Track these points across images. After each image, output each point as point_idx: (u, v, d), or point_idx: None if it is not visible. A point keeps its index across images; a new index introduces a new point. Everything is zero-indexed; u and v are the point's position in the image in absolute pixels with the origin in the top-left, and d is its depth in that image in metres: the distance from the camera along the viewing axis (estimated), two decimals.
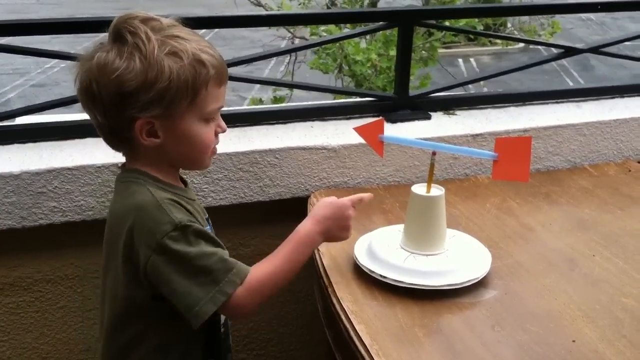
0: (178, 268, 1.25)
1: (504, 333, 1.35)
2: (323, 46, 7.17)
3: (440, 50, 7.74)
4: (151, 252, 1.24)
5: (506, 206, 1.87)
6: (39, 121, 1.94)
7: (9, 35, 1.85)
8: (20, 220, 1.73)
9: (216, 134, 1.37)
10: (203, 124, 1.32)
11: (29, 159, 1.75)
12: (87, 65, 1.27)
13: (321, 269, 1.58)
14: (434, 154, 1.50)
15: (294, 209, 1.91)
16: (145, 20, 1.27)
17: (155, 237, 1.24)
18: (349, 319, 1.39)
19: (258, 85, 9.74)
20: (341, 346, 1.42)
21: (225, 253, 1.31)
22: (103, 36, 1.31)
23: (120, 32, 1.26)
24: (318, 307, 1.69)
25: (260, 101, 7.24)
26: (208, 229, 1.42)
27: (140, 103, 1.24)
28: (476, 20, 6.22)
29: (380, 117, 1.53)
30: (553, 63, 11.55)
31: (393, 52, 6.54)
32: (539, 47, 10.31)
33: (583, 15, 14.78)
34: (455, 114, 2.14)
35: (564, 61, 11.56)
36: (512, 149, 1.42)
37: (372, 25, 2.26)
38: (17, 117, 1.90)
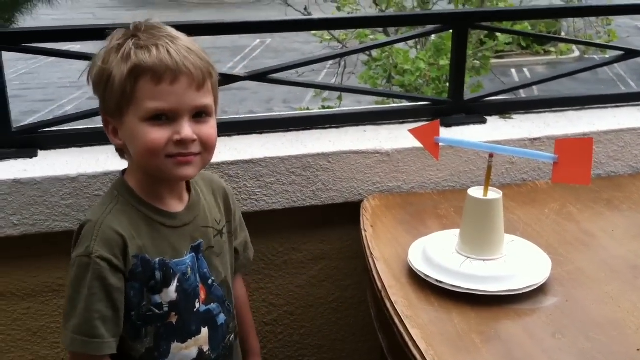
0: (69, 286, 1.29)
1: (566, 341, 1.30)
2: (373, 57, 7.17)
3: (492, 61, 7.65)
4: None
5: (566, 212, 1.81)
6: (96, 126, 1.96)
7: (42, 42, 1.87)
8: (77, 222, 1.74)
9: (175, 142, 1.27)
10: (146, 125, 1.25)
11: (86, 162, 1.77)
12: None
13: (375, 273, 1.55)
14: (491, 156, 1.46)
15: (346, 213, 1.90)
16: (136, 27, 1.30)
17: (74, 251, 1.30)
18: (404, 323, 1.36)
19: (308, 97, 9.80)
20: (395, 352, 1.40)
21: (100, 316, 1.27)
22: None
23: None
24: (371, 313, 1.67)
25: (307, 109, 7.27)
26: (188, 257, 1.36)
27: (100, 102, 1.31)
28: (529, 28, 6.11)
29: (436, 120, 1.50)
30: (609, 72, 11.34)
31: (443, 62, 6.49)
32: (594, 56, 10.13)
33: (639, 24, 14.47)
34: (512, 118, 2.09)
35: (620, 70, 11.34)
36: (573, 151, 1.38)
37: (426, 28, 2.24)
38: (74, 121, 1.92)
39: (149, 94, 1.25)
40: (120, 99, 1.26)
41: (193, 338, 1.38)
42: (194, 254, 1.38)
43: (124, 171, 1.39)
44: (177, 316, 1.35)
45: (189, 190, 1.41)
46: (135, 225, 1.31)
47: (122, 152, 1.37)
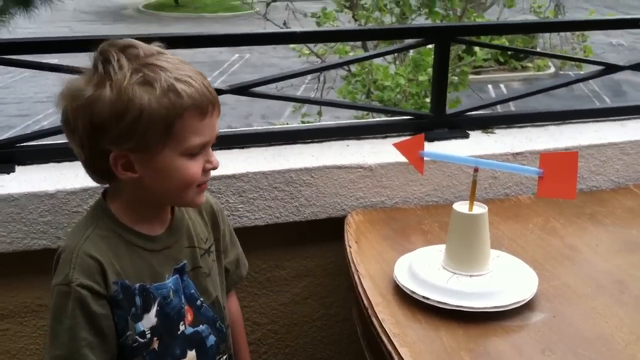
0: (50, 316, 1.24)
1: (555, 358, 1.30)
2: (352, 72, 7.19)
3: (470, 77, 7.71)
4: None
5: (550, 227, 1.81)
6: None
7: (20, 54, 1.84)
8: (56, 240, 1.71)
9: (206, 170, 1.27)
10: (185, 159, 1.22)
11: (64, 178, 1.74)
12: (63, 95, 1.22)
13: (360, 290, 1.53)
14: (476, 170, 1.46)
15: (330, 229, 1.88)
16: (124, 48, 1.20)
17: (53, 280, 1.25)
18: (392, 341, 1.34)
19: (287, 113, 9.79)
20: None
21: (87, 344, 1.22)
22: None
23: (96, 60, 1.20)
24: (356, 330, 1.64)
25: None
26: (171, 280, 1.32)
27: (112, 135, 1.18)
28: (507, 43, 6.17)
29: (421, 134, 1.49)
30: (584, 88, 11.47)
31: (422, 77, 6.53)
32: (569, 72, 10.25)
33: (613, 40, 14.70)
34: (494, 133, 2.09)
35: (595, 86, 11.48)
36: (558, 165, 1.37)
37: (405, 42, 2.23)
38: (52, 135, 1.89)
39: (194, 130, 1.21)
40: (157, 134, 1.18)
41: None
42: (177, 276, 1.34)
43: (104, 194, 1.33)
44: (159, 341, 1.31)
45: (172, 211, 1.37)
46: (114, 250, 1.26)
47: (105, 177, 1.28)
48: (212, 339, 1.40)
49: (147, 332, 1.29)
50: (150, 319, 1.29)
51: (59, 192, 1.69)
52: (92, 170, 1.28)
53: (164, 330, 1.31)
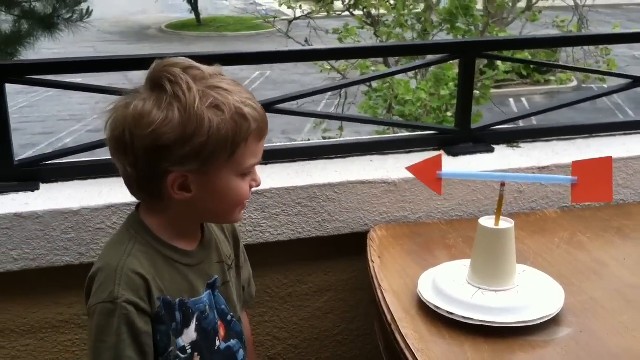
0: (91, 337, 1.21)
1: None
2: (373, 87, 7.20)
3: (491, 90, 7.69)
4: (87, 311, 1.22)
5: (576, 241, 1.78)
6: (98, 158, 1.94)
7: (45, 74, 1.86)
8: (79, 256, 1.72)
9: (250, 188, 1.29)
10: (239, 179, 1.25)
11: (88, 195, 1.75)
12: (121, 113, 1.20)
13: (384, 305, 1.52)
14: (503, 185, 1.44)
15: (352, 244, 1.87)
16: (187, 69, 1.19)
17: (92, 299, 1.22)
18: (415, 357, 1.33)
19: (307, 128, 9.81)
20: None
21: None
22: (137, 83, 1.25)
23: (159, 80, 1.19)
24: (378, 346, 1.63)
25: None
26: (205, 295, 1.32)
27: (176, 157, 1.18)
28: (529, 57, 6.14)
29: (438, 153, 1.46)
30: (607, 102, 11.38)
31: (444, 92, 6.52)
32: (592, 86, 10.18)
33: (637, 53, 14.58)
34: (520, 147, 2.07)
35: (618, 99, 11.38)
36: (591, 171, 1.38)
37: (427, 59, 2.23)
38: (76, 154, 1.90)
39: (253, 152, 1.24)
40: (222, 157, 1.19)
41: None
42: (210, 291, 1.33)
43: (137, 207, 1.33)
44: (200, 356, 1.31)
45: (202, 227, 1.37)
46: (155, 266, 1.25)
47: (153, 196, 1.25)
48: (242, 354, 1.40)
49: (187, 348, 1.28)
50: (190, 335, 1.29)
51: (83, 209, 1.70)
52: (142, 188, 1.26)
53: (204, 345, 1.31)
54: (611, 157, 1.37)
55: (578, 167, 1.38)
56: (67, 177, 1.84)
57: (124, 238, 1.28)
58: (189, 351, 1.28)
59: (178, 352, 1.27)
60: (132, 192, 1.28)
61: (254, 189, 1.75)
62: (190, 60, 1.23)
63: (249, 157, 1.23)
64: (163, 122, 1.16)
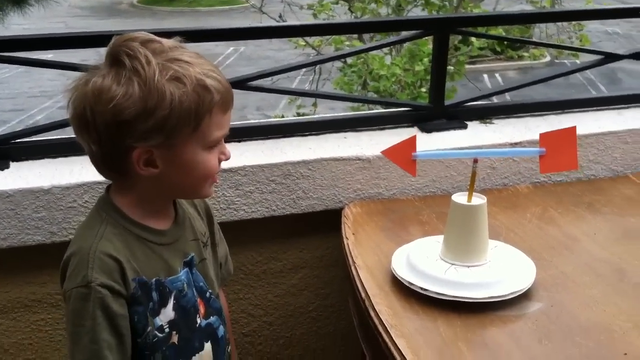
0: (68, 321, 1.21)
1: (552, 347, 1.29)
2: (348, 63, 7.17)
3: (465, 66, 7.70)
4: (63, 296, 1.22)
5: (548, 216, 1.80)
6: (69, 136, 1.92)
7: (15, 51, 1.82)
8: (50, 235, 1.71)
9: (219, 162, 1.29)
10: (206, 152, 1.24)
11: (59, 174, 1.73)
12: (81, 91, 1.18)
13: (358, 282, 1.53)
14: (475, 161, 1.45)
15: (326, 221, 1.87)
16: (145, 42, 1.18)
17: (66, 284, 1.21)
18: (389, 333, 1.33)
19: (282, 104, 9.78)
20: None
21: (108, 345, 1.19)
22: (99, 58, 1.22)
23: (118, 55, 1.17)
24: (352, 322, 1.64)
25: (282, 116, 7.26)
26: (183, 273, 1.31)
27: (139, 132, 1.16)
28: (503, 33, 6.15)
29: (413, 135, 1.46)
30: (580, 77, 11.47)
31: (418, 67, 6.52)
32: (565, 61, 10.25)
33: (609, 29, 14.69)
34: (493, 123, 2.08)
35: (591, 75, 11.48)
36: (557, 141, 1.42)
37: (401, 35, 2.22)
38: (47, 131, 1.88)
39: (218, 124, 1.22)
40: (186, 130, 1.18)
41: (197, 354, 1.34)
42: (187, 269, 1.33)
43: (108, 189, 1.31)
44: (178, 335, 1.30)
45: (174, 205, 1.36)
46: (129, 247, 1.24)
47: (119, 177, 1.26)
48: (222, 330, 1.40)
49: (165, 327, 1.28)
50: (167, 314, 1.28)
51: (54, 188, 1.68)
52: (107, 166, 1.24)
53: (183, 323, 1.31)
54: (575, 126, 1.42)
55: (545, 138, 1.42)
56: (38, 155, 1.82)
57: (95, 221, 1.26)
58: (167, 330, 1.28)
59: (156, 332, 1.26)
60: (99, 170, 1.27)
61: (228, 167, 1.78)
62: (150, 34, 1.21)
63: (214, 129, 1.22)
64: (123, 97, 1.14)
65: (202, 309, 1.35)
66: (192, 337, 1.33)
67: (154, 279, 1.26)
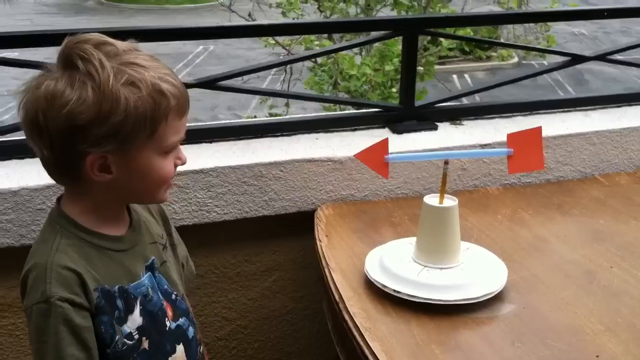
0: (32, 338, 1.18)
1: (525, 349, 1.30)
2: (319, 63, 7.17)
3: (435, 67, 7.74)
4: (25, 313, 1.19)
5: (518, 217, 1.82)
6: None
7: None
8: (19, 238, 1.68)
9: (175, 167, 1.26)
10: (161, 158, 1.21)
11: (27, 175, 1.70)
12: (33, 94, 1.14)
13: (331, 285, 1.53)
14: (446, 163, 1.46)
15: (300, 223, 1.87)
16: (99, 45, 1.14)
17: (26, 300, 1.18)
18: (363, 335, 1.34)
19: (253, 104, 9.74)
20: None
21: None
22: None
23: (71, 57, 1.13)
24: (327, 324, 1.64)
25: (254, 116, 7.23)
26: (146, 278, 1.29)
27: (93, 138, 1.13)
28: (471, 34, 6.20)
29: (385, 138, 1.47)
30: (548, 78, 11.60)
31: (388, 67, 6.53)
32: (533, 62, 10.37)
33: (575, 30, 14.88)
34: (462, 124, 2.10)
35: (558, 76, 11.62)
36: (524, 142, 1.45)
37: (371, 35, 2.23)
38: (14, 132, 1.84)
39: (174, 129, 1.20)
40: (141, 135, 1.15)
41: (170, 357, 1.32)
42: (149, 273, 1.31)
43: (58, 200, 1.28)
44: (148, 340, 1.28)
45: (128, 210, 1.34)
46: (86, 257, 1.22)
47: (72, 183, 1.23)
48: (192, 331, 1.39)
49: (134, 334, 1.25)
50: (135, 320, 1.26)
51: (23, 190, 1.65)
52: (60, 171, 1.22)
53: (153, 328, 1.29)
54: (540, 127, 1.44)
55: (512, 138, 1.44)
56: (5, 156, 1.78)
57: (49, 234, 1.23)
58: (136, 337, 1.26)
59: (125, 340, 1.24)
60: (52, 176, 1.24)
61: (199, 168, 1.76)
62: (103, 36, 1.18)
63: (170, 135, 1.20)
64: (77, 102, 1.11)
65: (169, 312, 1.34)
66: (163, 341, 1.31)
67: (116, 287, 1.23)
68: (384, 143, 1.47)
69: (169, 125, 1.18)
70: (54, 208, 1.27)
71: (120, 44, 1.17)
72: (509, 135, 1.45)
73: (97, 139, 1.14)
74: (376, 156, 1.47)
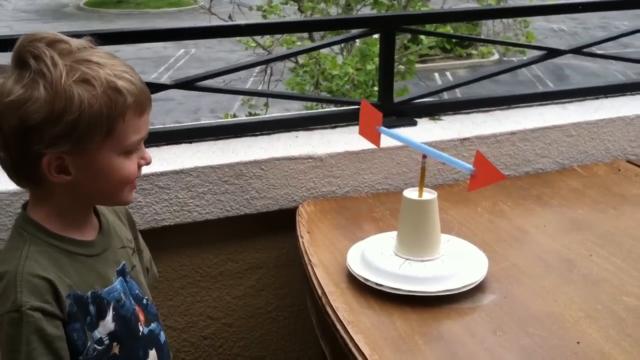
0: (3, 348, 1.14)
1: (507, 337, 1.31)
2: (300, 63, 7.18)
3: (417, 65, 7.78)
4: None
5: (498, 209, 1.84)
6: None
7: None
8: None
9: (139, 167, 1.23)
10: (123, 158, 1.18)
11: (5, 179, 1.67)
12: None
13: (314, 280, 1.53)
14: (424, 157, 1.47)
15: (282, 220, 1.87)
16: (52, 43, 1.12)
17: None
18: (346, 329, 1.34)
19: (236, 106, 9.72)
20: (339, 358, 1.38)
21: None
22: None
23: (23, 56, 1.11)
24: (312, 320, 1.65)
25: (235, 117, 7.23)
26: (118, 283, 1.27)
27: (47, 138, 1.10)
28: (451, 31, 6.24)
29: (379, 112, 1.55)
30: (528, 74, 11.68)
31: (370, 67, 6.56)
32: (513, 59, 10.44)
33: (555, 26, 15.01)
34: (441, 119, 2.11)
35: (538, 71, 11.71)
36: (487, 168, 1.40)
37: (351, 33, 2.24)
38: None
39: (133, 128, 1.17)
40: (98, 135, 1.12)
41: None
42: (121, 278, 1.29)
43: (24, 206, 1.25)
44: (119, 345, 1.26)
45: (96, 215, 1.31)
46: (57, 263, 1.19)
47: (31, 181, 1.19)
48: (163, 335, 1.38)
49: (104, 339, 1.23)
50: (107, 325, 1.24)
51: (1, 194, 1.64)
52: (19, 174, 1.19)
53: (125, 334, 1.27)
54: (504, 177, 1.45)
55: (479, 159, 1.39)
56: None
57: (17, 242, 1.20)
58: (107, 342, 1.23)
59: (95, 345, 1.22)
60: (12, 179, 1.21)
61: (179, 168, 1.77)
62: (58, 34, 1.16)
63: (130, 134, 1.17)
64: (28, 101, 1.09)
65: (142, 317, 1.32)
66: (136, 346, 1.29)
67: (89, 292, 1.21)
68: (379, 114, 1.54)
69: (127, 124, 1.15)
70: (20, 214, 1.24)
71: (74, 42, 1.15)
72: (478, 154, 1.40)
73: (52, 139, 1.11)
74: (371, 123, 1.55)
